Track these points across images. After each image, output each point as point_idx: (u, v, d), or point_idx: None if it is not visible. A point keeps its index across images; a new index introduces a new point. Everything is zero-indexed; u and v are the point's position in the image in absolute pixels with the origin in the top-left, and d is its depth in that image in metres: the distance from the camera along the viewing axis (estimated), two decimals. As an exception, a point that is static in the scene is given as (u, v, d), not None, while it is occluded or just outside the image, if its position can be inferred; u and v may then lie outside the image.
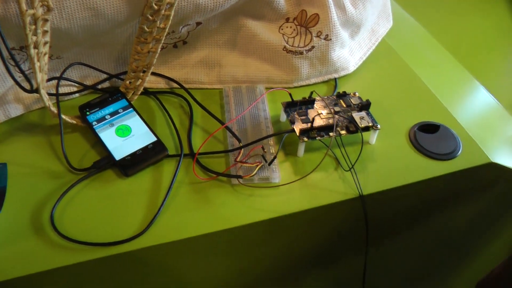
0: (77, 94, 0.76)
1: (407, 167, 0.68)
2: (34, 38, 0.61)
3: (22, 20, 0.59)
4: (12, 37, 0.64)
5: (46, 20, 0.62)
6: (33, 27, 0.60)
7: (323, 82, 0.80)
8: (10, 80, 0.69)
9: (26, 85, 0.64)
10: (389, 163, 0.69)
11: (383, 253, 0.79)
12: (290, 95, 0.71)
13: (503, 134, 0.77)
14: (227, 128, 0.70)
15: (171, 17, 0.67)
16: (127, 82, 0.74)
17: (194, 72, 0.78)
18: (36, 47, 0.62)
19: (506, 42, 1.01)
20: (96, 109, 0.70)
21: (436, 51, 0.93)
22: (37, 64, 0.63)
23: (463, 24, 1.05)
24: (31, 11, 0.59)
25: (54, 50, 0.70)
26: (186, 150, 0.68)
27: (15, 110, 0.73)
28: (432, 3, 1.11)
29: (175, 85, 0.77)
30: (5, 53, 0.62)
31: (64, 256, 0.57)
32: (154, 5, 0.66)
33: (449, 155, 0.69)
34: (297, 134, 0.67)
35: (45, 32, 0.62)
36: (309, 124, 0.67)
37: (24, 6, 0.58)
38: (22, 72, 0.62)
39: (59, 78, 0.71)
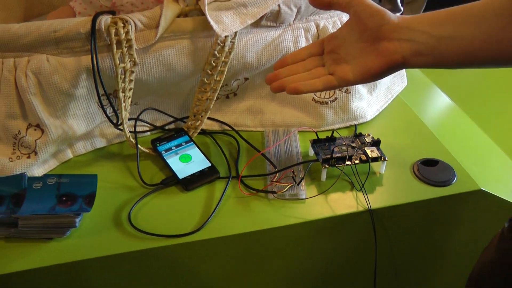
0: (148, 133, 0.99)
1: (409, 191, 0.86)
2: (123, 85, 0.85)
3: (115, 71, 0.83)
4: (106, 86, 0.89)
5: (132, 72, 0.86)
6: (123, 76, 0.85)
7: (345, 127, 1.01)
8: (98, 119, 0.93)
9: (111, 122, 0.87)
10: (394, 187, 0.87)
11: (390, 262, 0.95)
12: (316, 133, 0.92)
13: (492, 168, 0.94)
14: (264, 155, 0.91)
15: (225, 72, 0.91)
16: (189, 123, 0.96)
17: (242, 118, 1.01)
18: (123, 91, 0.86)
19: (500, 88, 1.20)
20: (164, 142, 0.93)
21: (444, 104, 1.13)
22: (123, 105, 0.86)
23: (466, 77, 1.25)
24: (122, 65, 0.84)
25: (133, 97, 0.93)
26: (233, 174, 0.89)
27: (100, 143, 0.97)
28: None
29: (226, 127, 1.00)
30: (96, 98, 0.87)
31: (137, 243, 0.77)
32: (212, 62, 0.90)
33: (445, 183, 0.87)
34: (320, 162, 0.87)
35: (130, 81, 0.87)
36: (329, 155, 0.87)
37: (117, 61, 0.83)
38: (114, 110, 0.86)
39: (136, 119, 0.95)
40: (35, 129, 0.87)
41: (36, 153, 0.88)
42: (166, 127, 1.00)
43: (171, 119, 1.00)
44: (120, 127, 0.89)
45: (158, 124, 1.00)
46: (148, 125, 0.99)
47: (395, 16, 0.68)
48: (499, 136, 1.05)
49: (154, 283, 0.82)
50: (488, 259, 0.75)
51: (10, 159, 0.87)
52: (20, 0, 1.17)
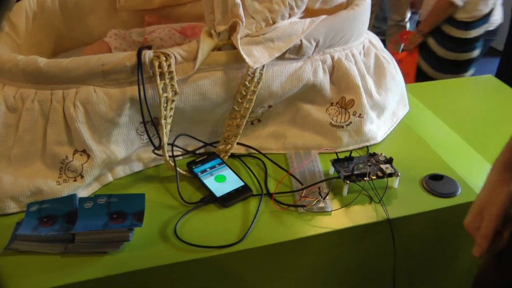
0: (181, 157, 1.09)
1: (421, 202, 0.98)
2: (165, 112, 0.95)
3: (159, 100, 0.94)
4: (145, 114, 0.99)
5: (173, 101, 0.96)
6: (165, 105, 0.95)
7: (359, 148, 1.12)
8: (136, 145, 1.03)
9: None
10: (408, 199, 0.98)
11: (405, 267, 1.06)
12: (336, 154, 1.03)
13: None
14: (292, 175, 1.01)
15: (253, 101, 1.02)
16: (220, 147, 1.07)
17: (266, 142, 1.12)
18: (165, 118, 0.96)
19: (492, 117, 1.34)
20: (199, 165, 1.03)
21: (440, 127, 1.26)
22: (164, 131, 0.96)
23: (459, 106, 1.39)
24: (165, 94, 0.94)
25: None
26: (264, 192, 0.99)
27: (137, 167, 1.06)
28: (436, 93, 1.46)
29: (252, 150, 1.10)
30: (135, 125, 0.97)
31: (185, 254, 0.86)
32: (243, 91, 1.01)
33: (451, 195, 0.99)
34: (342, 178, 0.98)
35: (171, 109, 0.97)
36: (349, 172, 0.98)
37: (161, 91, 0.93)
38: (158, 134, 0.96)
39: (172, 144, 1.04)
40: (81, 154, 0.96)
41: (82, 177, 0.96)
42: (197, 152, 1.10)
43: (201, 144, 1.10)
44: (159, 152, 0.98)
45: (189, 148, 1.09)
46: (181, 150, 1.09)
47: None
48: (485, 151, 1.18)
49: (200, 291, 0.91)
50: (486, 263, 0.85)
51: (58, 183, 0.96)
52: (49, 37, 1.26)
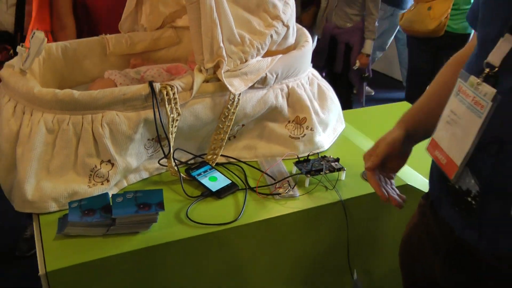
0: (176, 167, 1.44)
1: (362, 188, 1.39)
2: (171, 129, 1.32)
3: (168, 119, 1.30)
4: (151, 132, 1.34)
5: (177, 120, 1.33)
6: (172, 123, 1.31)
7: (312, 154, 1.53)
8: (143, 157, 1.37)
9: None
10: (353, 187, 1.39)
11: (354, 239, 1.46)
12: (298, 157, 1.43)
13: (408, 174, 1.51)
14: (266, 173, 1.40)
15: (233, 120, 1.40)
16: (208, 157, 1.44)
17: (241, 153, 1.50)
18: (171, 134, 1.32)
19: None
20: (195, 170, 1.39)
21: (367, 140, 1.70)
22: (172, 144, 1.32)
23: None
24: (172, 115, 1.31)
25: (167, 141, 1.39)
26: (247, 187, 1.37)
27: (145, 174, 1.40)
28: (364, 116, 1.92)
29: (231, 160, 1.48)
30: (144, 141, 1.32)
31: (197, 230, 1.21)
32: (225, 113, 1.39)
33: (384, 182, 1.41)
34: (304, 173, 1.37)
35: (175, 126, 1.33)
36: (309, 169, 1.38)
37: (169, 112, 1.30)
38: (169, 147, 1.31)
39: (172, 156, 1.40)
40: (106, 164, 1.30)
41: (108, 181, 1.30)
42: (189, 161, 1.46)
43: (191, 156, 1.46)
44: (163, 162, 1.34)
45: (183, 160, 1.45)
46: (178, 160, 1.44)
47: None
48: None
49: (210, 260, 1.26)
50: (411, 225, 1.25)
51: (89, 186, 1.28)
52: (54, 77, 1.59)
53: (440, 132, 0.99)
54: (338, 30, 3.46)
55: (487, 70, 0.87)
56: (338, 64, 3.55)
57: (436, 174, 1.06)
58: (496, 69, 0.86)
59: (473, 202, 0.92)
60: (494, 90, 0.84)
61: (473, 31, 1.19)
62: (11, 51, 2.01)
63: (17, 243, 2.44)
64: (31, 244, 2.35)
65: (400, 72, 4.96)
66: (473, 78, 0.89)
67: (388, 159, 1.17)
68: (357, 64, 3.42)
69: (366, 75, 3.48)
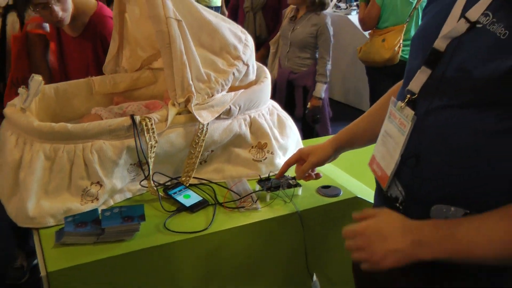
0: (155, 187, 1.73)
1: (317, 201, 1.69)
2: (150, 155, 1.61)
3: (147, 146, 1.59)
4: (133, 158, 1.63)
5: (154, 147, 1.62)
6: (151, 150, 1.60)
7: (273, 175, 1.82)
8: (126, 180, 1.66)
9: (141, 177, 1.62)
10: (308, 200, 1.69)
11: (312, 245, 1.74)
12: (260, 176, 1.73)
13: (357, 189, 1.81)
14: (232, 190, 1.69)
15: (203, 146, 1.70)
16: (182, 178, 1.73)
17: (211, 175, 1.79)
18: (150, 158, 1.61)
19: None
20: (171, 189, 1.67)
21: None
22: (151, 167, 1.61)
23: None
24: (150, 142, 1.60)
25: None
26: (216, 202, 1.66)
27: (128, 195, 1.69)
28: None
29: (203, 181, 1.77)
30: (127, 166, 1.62)
31: (172, 237, 1.49)
32: (196, 140, 1.69)
33: (336, 195, 1.71)
34: (265, 190, 1.67)
35: (153, 152, 1.62)
36: (270, 186, 1.68)
37: (147, 140, 1.59)
38: (148, 170, 1.60)
39: (151, 178, 1.69)
40: (96, 185, 1.58)
41: (97, 199, 1.58)
42: (167, 183, 1.75)
43: (168, 178, 1.75)
44: (144, 183, 1.63)
45: (161, 182, 1.74)
46: (155, 182, 1.73)
47: None
48: (354, 175, 1.92)
49: (184, 263, 1.54)
50: None
51: (81, 204, 1.57)
52: (47, 114, 1.88)
53: (377, 149, 1.29)
54: (293, 75, 3.77)
55: (408, 96, 1.16)
56: (298, 109, 3.84)
57: (377, 187, 1.34)
58: (416, 95, 1.15)
59: (400, 207, 1.19)
60: (412, 112, 1.13)
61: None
62: None
63: (7, 272, 2.68)
64: (22, 272, 2.60)
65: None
66: (399, 103, 1.18)
67: None
68: (308, 105, 3.71)
69: (317, 117, 3.76)
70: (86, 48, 2.41)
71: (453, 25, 1.09)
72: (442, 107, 1.09)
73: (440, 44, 1.11)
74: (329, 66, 3.71)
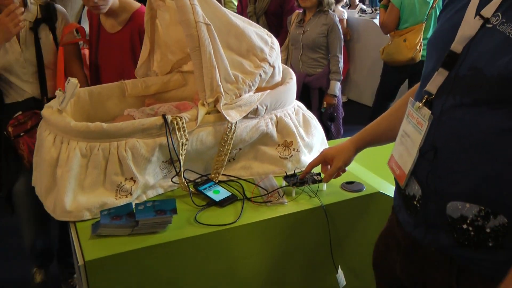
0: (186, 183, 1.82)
1: (341, 196, 1.76)
2: (181, 152, 1.70)
3: (178, 144, 1.68)
4: (165, 155, 1.72)
5: (185, 145, 1.71)
6: (182, 148, 1.70)
7: (299, 172, 1.90)
8: (158, 177, 1.75)
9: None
10: (333, 195, 1.76)
11: (336, 236, 1.81)
12: (286, 172, 1.81)
13: (379, 186, 1.88)
14: (259, 185, 1.77)
15: (231, 144, 1.79)
16: (212, 175, 1.82)
17: (239, 172, 1.88)
18: (182, 156, 1.70)
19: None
20: (201, 185, 1.76)
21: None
22: (182, 164, 1.70)
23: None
24: (181, 140, 1.69)
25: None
26: (244, 197, 1.74)
27: (160, 190, 1.78)
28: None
29: (231, 178, 1.86)
30: (159, 163, 1.71)
31: (203, 229, 1.58)
32: (225, 138, 1.77)
33: (359, 191, 1.78)
34: (291, 185, 1.75)
35: (184, 150, 1.71)
36: (295, 181, 1.76)
37: (179, 138, 1.69)
38: (180, 166, 1.70)
39: (182, 175, 1.78)
40: (129, 181, 1.68)
41: (131, 194, 1.68)
42: (197, 180, 1.84)
43: (198, 175, 1.84)
44: (176, 180, 1.72)
45: (191, 178, 1.83)
46: (186, 179, 1.82)
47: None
48: (375, 172, 1.99)
49: (214, 255, 1.62)
50: (382, 232, 1.59)
51: (115, 199, 1.66)
52: (82, 116, 2.00)
53: (396, 148, 1.36)
54: (309, 77, 3.84)
55: (426, 96, 1.22)
56: (314, 112, 3.89)
57: (396, 185, 1.40)
58: (433, 96, 1.21)
59: (418, 205, 1.25)
60: (429, 112, 1.19)
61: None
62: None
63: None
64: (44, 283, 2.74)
65: None
66: (417, 103, 1.24)
67: None
68: (324, 105, 3.78)
69: (334, 114, 3.85)
70: (124, 42, 2.53)
71: (468, 26, 1.15)
72: (455, 106, 1.15)
73: (457, 46, 1.16)
74: (341, 64, 3.81)
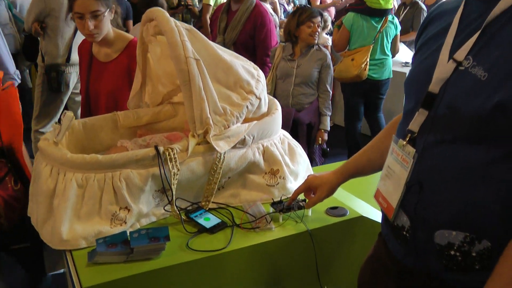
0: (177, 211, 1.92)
1: (325, 220, 1.87)
2: (173, 181, 1.80)
3: (170, 174, 1.79)
4: (158, 184, 1.82)
5: (177, 174, 1.82)
6: (174, 177, 1.80)
7: (285, 198, 2.00)
8: (151, 205, 1.85)
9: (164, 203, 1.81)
10: (317, 220, 1.87)
11: (321, 260, 1.91)
12: (273, 199, 1.92)
13: (361, 210, 1.99)
14: (247, 212, 1.88)
15: (220, 173, 1.89)
16: (202, 203, 1.92)
17: (228, 200, 1.98)
18: (173, 185, 1.80)
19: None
20: (193, 213, 1.86)
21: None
22: (174, 193, 1.80)
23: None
24: (173, 170, 1.80)
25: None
26: (234, 223, 1.84)
27: (153, 218, 1.88)
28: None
29: (221, 205, 1.96)
30: (152, 192, 1.81)
31: (194, 255, 1.67)
32: (214, 167, 1.88)
33: (343, 215, 1.89)
34: (278, 212, 1.85)
35: (176, 179, 1.81)
36: (282, 208, 1.86)
37: (171, 169, 1.79)
38: (172, 195, 1.80)
39: (174, 203, 1.88)
40: (124, 210, 1.77)
41: (125, 222, 1.77)
42: (187, 208, 1.94)
43: (189, 203, 1.94)
44: (168, 208, 1.82)
45: (182, 206, 1.93)
46: (178, 207, 1.92)
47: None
48: (359, 196, 2.10)
49: (206, 278, 1.72)
50: (367, 257, 1.67)
51: (111, 227, 1.76)
52: (76, 147, 2.09)
53: (381, 183, 1.43)
54: (298, 113, 3.78)
55: (409, 135, 1.31)
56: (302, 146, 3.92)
57: (383, 217, 1.48)
58: (415, 134, 1.30)
59: (407, 235, 1.32)
60: (413, 150, 1.28)
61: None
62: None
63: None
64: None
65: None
66: (400, 141, 1.33)
67: None
68: (320, 141, 3.81)
69: (327, 149, 3.93)
70: (121, 68, 2.64)
71: (443, 68, 1.24)
72: (436, 142, 1.23)
73: (434, 87, 1.25)
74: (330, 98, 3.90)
